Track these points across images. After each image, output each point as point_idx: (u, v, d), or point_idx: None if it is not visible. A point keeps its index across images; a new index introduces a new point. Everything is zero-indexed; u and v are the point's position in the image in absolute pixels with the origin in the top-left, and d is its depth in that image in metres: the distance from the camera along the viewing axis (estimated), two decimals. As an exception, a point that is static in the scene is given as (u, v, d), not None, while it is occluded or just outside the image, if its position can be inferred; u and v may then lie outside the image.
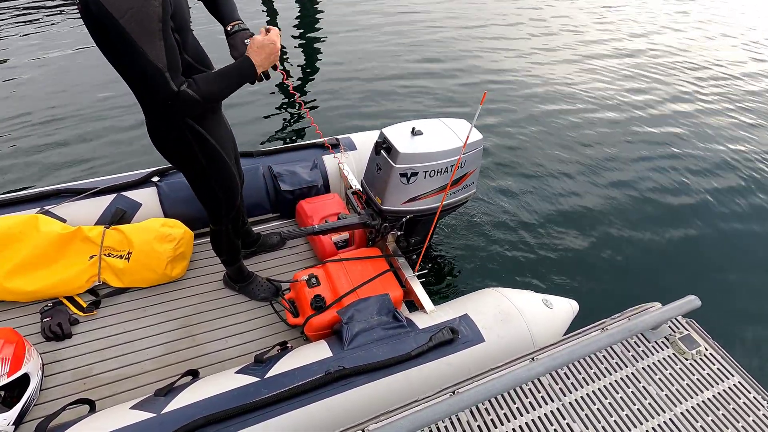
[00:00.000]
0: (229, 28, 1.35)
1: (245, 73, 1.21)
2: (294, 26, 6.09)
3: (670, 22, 7.22)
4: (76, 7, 6.15)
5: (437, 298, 2.42)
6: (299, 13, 6.54)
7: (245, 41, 1.29)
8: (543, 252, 2.81)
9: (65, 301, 1.87)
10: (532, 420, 1.16)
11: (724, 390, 1.23)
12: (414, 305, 1.91)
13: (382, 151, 1.74)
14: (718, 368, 1.29)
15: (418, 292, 1.85)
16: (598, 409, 1.19)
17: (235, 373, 1.53)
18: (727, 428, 1.15)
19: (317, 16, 6.47)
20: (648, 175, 3.54)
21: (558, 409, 1.18)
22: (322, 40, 5.69)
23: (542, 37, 6.31)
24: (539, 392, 1.22)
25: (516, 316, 1.76)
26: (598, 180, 3.47)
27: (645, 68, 5.56)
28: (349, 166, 2.40)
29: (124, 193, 2.04)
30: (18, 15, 6.02)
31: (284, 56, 5.07)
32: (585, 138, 3.98)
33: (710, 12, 7.83)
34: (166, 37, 1.06)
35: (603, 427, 1.15)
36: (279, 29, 1.32)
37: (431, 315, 1.76)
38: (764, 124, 4.47)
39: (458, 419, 1.19)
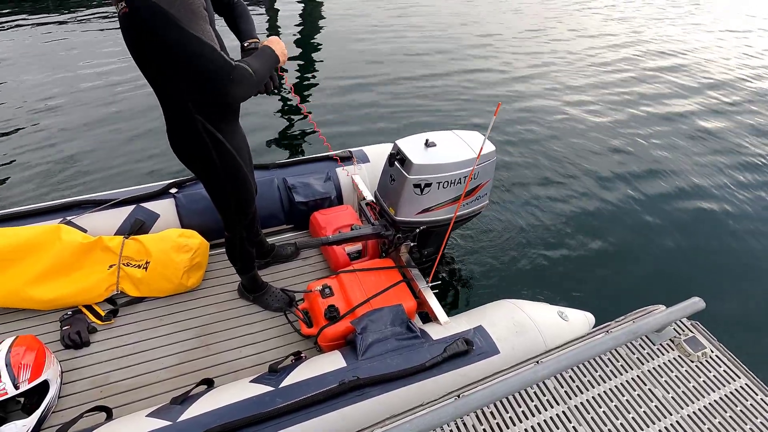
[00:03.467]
0: (246, 44, 1.59)
1: (272, 57, 1.42)
2: (298, 41, 6.47)
3: (695, 30, 7.47)
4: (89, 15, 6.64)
5: (451, 309, 2.58)
6: (303, 28, 6.96)
7: None
8: (556, 262, 3.00)
9: (84, 310, 2.07)
10: (538, 423, 1.30)
11: (731, 392, 1.35)
12: (428, 316, 2.07)
13: (395, 162, 1.93)
14: (724, 370, 1.41)
15: (431, 303, 2.01)
16: (604, 411, 1.32)
17: (250, 382, 1.68)
18: (735, 430, 1.27)
19: (322, 29, 6.88)
20: (656, 183, 3.81)
21: (564, 412, 1.32)
22: (329, 52, 6.06)
23: (559, 47, 6.60)
24: (545, 395, 1.36)
25: (531, 328, 1.90)
26: (609, 190, 3.71)
27: (664, 76, 5.82)
28: (362, 177, 2.60)
29: (142, 204, 2.26)
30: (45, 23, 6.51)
31: (293, 69, 5.44)
32: (594, 149, 4.25)
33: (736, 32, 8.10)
34: (211, 22, 1.26)
35: (609, 430, 1.28)
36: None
37: (445, 326, 1.91)
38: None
39: (464, 423, 1.32)
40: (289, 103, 4.74)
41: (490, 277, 2.85)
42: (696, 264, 3.03)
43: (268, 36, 1.55)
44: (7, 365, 1.63)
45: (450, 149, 1.94)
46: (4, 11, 7.04)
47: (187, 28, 1.18)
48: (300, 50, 6.04)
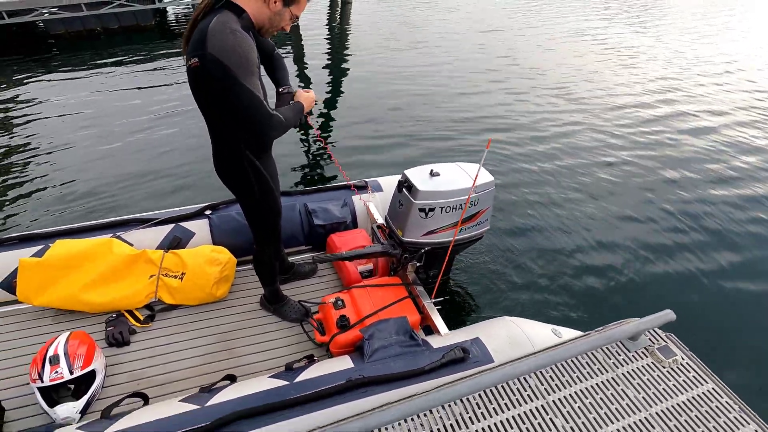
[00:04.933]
0: (280, 90, 1.96)
1: (300, 110, 1.82)
2: (326, 83, 7.05)
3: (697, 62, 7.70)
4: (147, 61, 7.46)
5: (452, 325, 2.76)
6: (330, 70, 7.56)
7: (289, 101, 1.89)
8: (555, 284, 3.24)
9: (126, 314, 2.38)
10: (518, 414, 1.48)
11: (698, 395, 1.50)
12: (430, 330, 2.27)
13: (403, 189, 2.21)
14: (693, 375, 1.56)
15: (434, 317, 2.22)
16: (579, 407, 1.49)
17: (268, 377, 1.92)
18: (699, 428, 1.41)
19: (346, 72, 7.47)
20: (653, 210, 4.07)
21: (542, 405, 1.49)
22: (350, 91, 6.64)
23: (571, 86, 6.96)
24: (525, 391, 1.54)
25: (525, 342, 2.08)
26: (605, 215, 3.99)
27: (666, 105, 6.18)
28: (375, 205, 2.89)
29: (181, 224, 2.62)
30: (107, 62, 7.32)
31: (319, 110, 5.98)
32: (591, 177, 4.58)
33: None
34: (259, 76, 1.60)
35: (583, 423, 1.44)
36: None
37: (445, 337, 2.12)
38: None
39: (452, 411, 1.50)
40: (311, 137, 5.22)
41: (491, 296, 3.08)
42: (705, 288, 3.23)
43: (302, 87, 1.96)
44: (65, 353, 1.93)
45: (452, 178, 2.21)
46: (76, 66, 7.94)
47: (243, 83, 1.52)
48: (328, 95, 6.58)
